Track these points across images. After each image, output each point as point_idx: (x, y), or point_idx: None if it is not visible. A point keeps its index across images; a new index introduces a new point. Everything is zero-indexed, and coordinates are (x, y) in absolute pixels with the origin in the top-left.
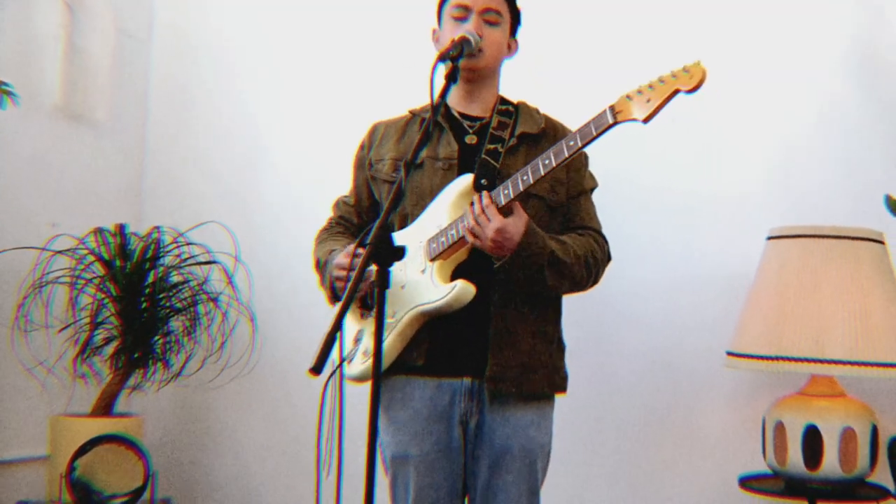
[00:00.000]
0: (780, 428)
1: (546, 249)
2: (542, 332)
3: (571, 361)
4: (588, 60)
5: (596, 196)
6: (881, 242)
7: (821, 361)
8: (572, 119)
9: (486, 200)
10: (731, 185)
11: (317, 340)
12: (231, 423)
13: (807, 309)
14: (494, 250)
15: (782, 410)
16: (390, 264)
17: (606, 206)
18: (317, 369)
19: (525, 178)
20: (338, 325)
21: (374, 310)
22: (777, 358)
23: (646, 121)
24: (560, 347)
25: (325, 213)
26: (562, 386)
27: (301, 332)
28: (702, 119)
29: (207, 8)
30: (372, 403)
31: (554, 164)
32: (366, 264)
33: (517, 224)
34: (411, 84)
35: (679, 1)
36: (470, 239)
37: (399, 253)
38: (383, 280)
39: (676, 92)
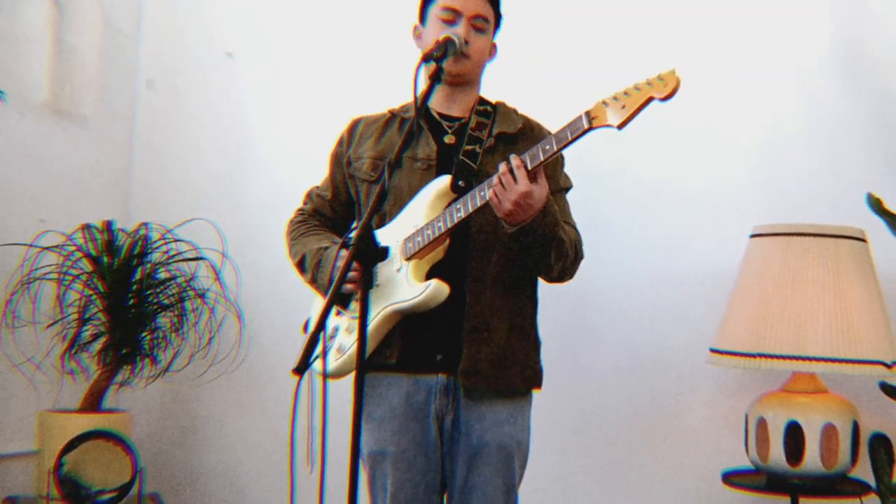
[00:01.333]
0: (762, 424)
1: (558, 223)
2: (518, 327)
3: (554, 357)
4: (585, 59)
5: (580, 191)
6: (863, 240)
7: (802, 359)
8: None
9: (516, 161)
10: (716, 183)
11: (303, 338)
12: (218, 418)
13: (788, 306)
14: (511, 215)
15: (764, 407)
16: (374, 265)
17: (591, 201)
18: (300, 370)
19: (483, 193)
20: (321, 326)
21: (353, 308)
22: (759, 355)
23: (620, 127)
24: (535, 343)
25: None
26: (535, 381)
27: (288, 328)
28: (687, 117)
29: (196, 3)
30: (355, 401)
31: (529, 168)
32: (349, 265)
33: (541, 192)
34: (397, 81)
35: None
36: (493, 200)
37: (382, 254)
38: (367, 280)
39: (650, 100)
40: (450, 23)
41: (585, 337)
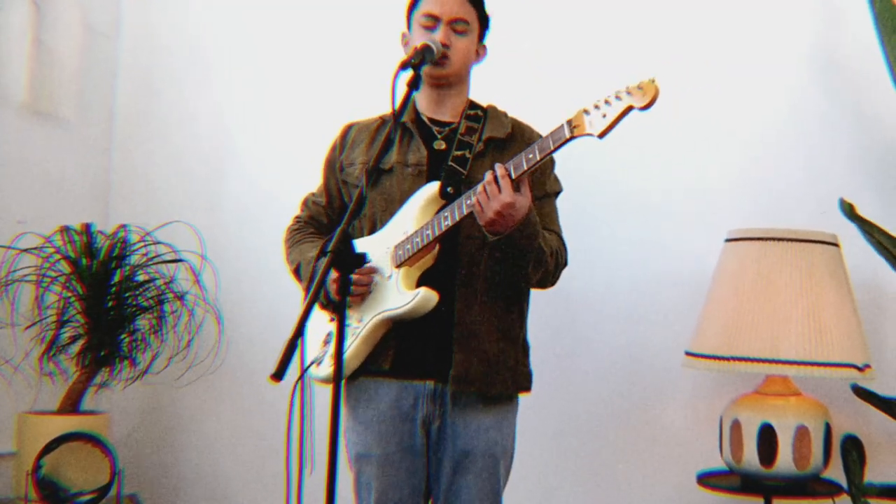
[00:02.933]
0: (736, 426)
1: (538, 234)
2: (507, 333)
3: (534, 361)
4: (576, 57)
5: (559, 196)
6: (835, 245)
7: (775, 362)
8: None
9: (501, 171)
10: (691, 188)
11: (283, 340)
12: (197, 420)
13: (762, 310)
14: (493, 224)
15: (738, 409)
16: (351, 271)
17: (568, 205)
18: (278, 375)
19: (469, 201)
20: (299, 332)
21: (347, 315)
22: (733, 358)
23: (601, 136)
24: (525, 348)
25: (293, 213)
26: (526, 385)
27: (267, 330)
28: (663, 121)
29: (176, 4)
30: (333, 407)
31: (513, 177)
32: (327, 272)
33: (524, 202)
34: (380, 85)
35: (642, 6)
36: (476, 208)
37: (360, 260)
38: (344, 287)
39: (630, 109)
40: (430, 28)
41: (563, 340)
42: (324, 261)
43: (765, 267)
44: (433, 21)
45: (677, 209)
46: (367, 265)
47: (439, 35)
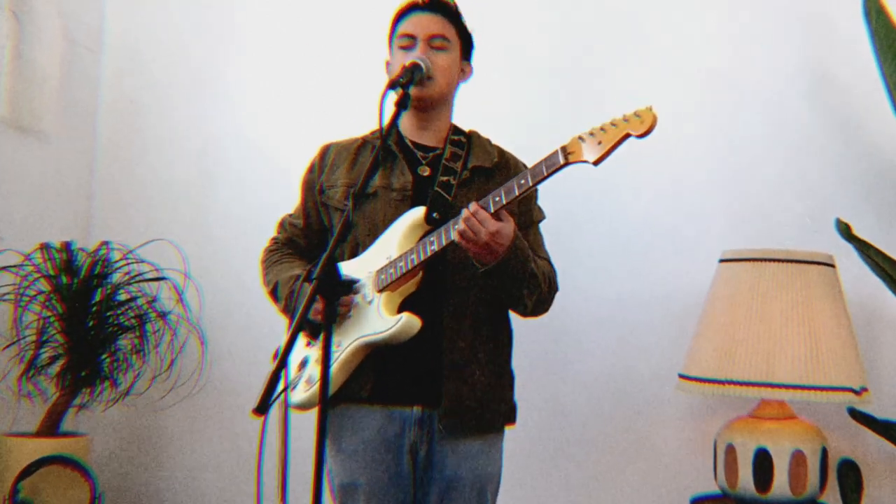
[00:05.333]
0: (730, 450)
1: (530, 258)
2: (495, 363)
3: (525, 382)
4: (572, 76)
5: (547, 221)
6: (831, 266)
7: (770, 386)
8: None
9: (474, 206)
10: (683, 208)
11: (268, 359)
12: (180, 442)
13: (757, 333)
14: (484, 254)
15: (733, 433)
16: (337, 298)
17: (558, 229)
18: (261, 410)
19: (458, 226)
20: (283, 363)
21: (321, 340)
22: (727, 382)
23: (596, 163)
24: (510, 378)
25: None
26: (511, 418)
27: (251, 350)
28: (656, 141)
29: (160, 18)
30: (319, 435)
31: (504, 202)
32: (312, 298)
33: (508, 228)
34: (366, 104)
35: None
36: (461, 242)
37: (347, 287)
38: (330, 315)
39: (627, 136)
40: (408, 48)
41: (555, 363)
42: (308, 286)
43: (759, 288)
44: (410, 41)
45: (666, 230)
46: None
47: (418, 53)
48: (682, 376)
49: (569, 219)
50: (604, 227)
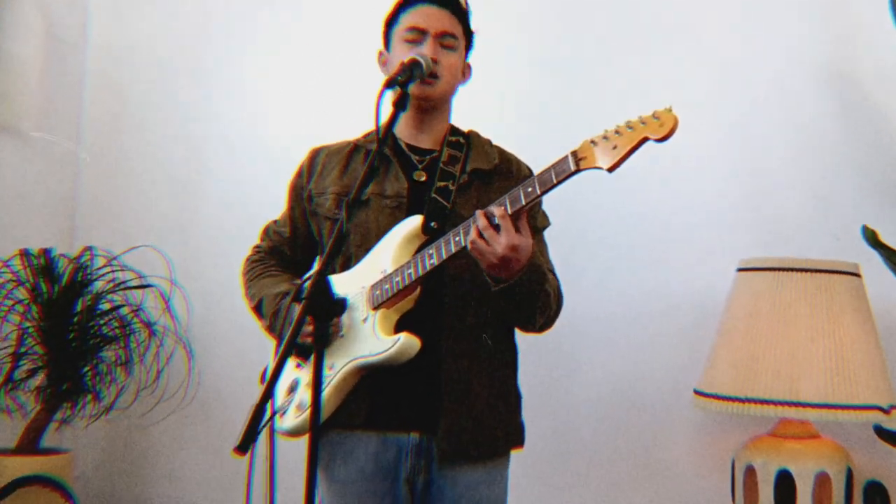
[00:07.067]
0: (750, 472)
1: (545, 276)
2: (499, 384)
3: (533, 395)
4: (580, 77)
5: (559, 224)
6: (857, 275)
7: (794, 405)
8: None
9: (499, 212)
10: (699, 213)
11: (258, 366)
12: (167, 459)
13: (779, 347)
14: (498, 271)
15: (752, 453)
16: (329, 319)
17: (569, 235)
18: (243, 448)
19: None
20: (268, 395)
21: (312, 363)
22: (747, 400)
23: (611, 170)
24: (517, 399)
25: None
26: (518, 441)
27: (241, 362)
28: (671, 144)
29: (147, 10)
30: (308, 470)
31: (510, 212)
32: (302, 320)
33: (527, 243)
34: (357, 106)
35: (652, 29)
36: (474, 254)
37: (339, 307)
38: (321, 338)
39: (645, 140)
40: (415, 42)
41: (566, 374)
42: (297, 306)
43: (781, 300)
44: (419, 34)
45: (680, 236)
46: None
47: (426, 50)
48: (698, 392)
49: (574, 222)
50: (612, 232)
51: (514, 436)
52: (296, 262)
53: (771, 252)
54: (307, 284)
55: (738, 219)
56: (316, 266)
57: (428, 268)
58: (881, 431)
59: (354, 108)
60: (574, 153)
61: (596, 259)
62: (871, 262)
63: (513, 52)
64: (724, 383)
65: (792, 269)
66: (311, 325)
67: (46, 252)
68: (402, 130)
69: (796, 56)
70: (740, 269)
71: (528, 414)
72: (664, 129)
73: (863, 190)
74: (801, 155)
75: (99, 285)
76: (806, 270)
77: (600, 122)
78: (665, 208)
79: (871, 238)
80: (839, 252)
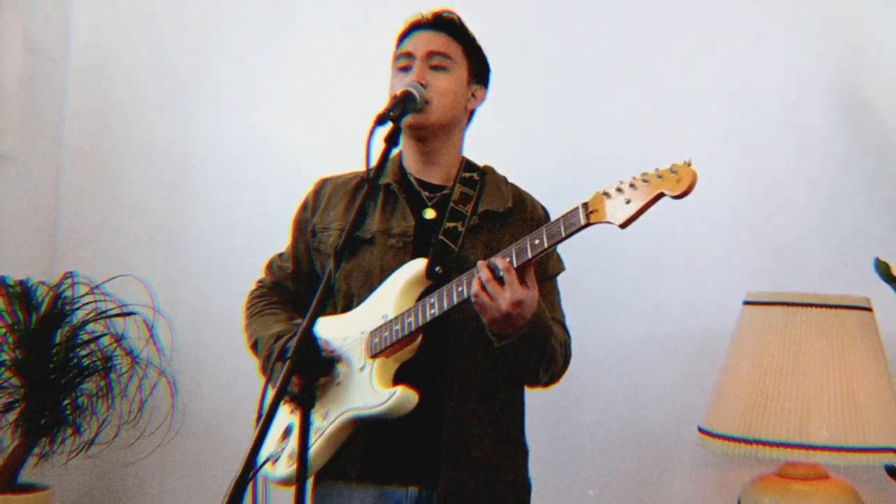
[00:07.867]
0: None
1: (551, 332)
2: (504, 436)
3: (535, 429)
4: (589, 110)
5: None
6: (868, 309)
7: (804, 447)
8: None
9: (503, 264)
10: (703, 242)
11: (244, 396)
12: (151, 496)
13: (788, 386)
14: (501, 327)
15: (759, 494)
16: (316, 379)
17: (571, 267)
18: None
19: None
20: (250, 465)
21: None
22: (755, 441)
23: (623, 226)
24: (524, 452)
25: (253, 271)
26: (524, 499)
27: (227, 395)
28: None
29: (130, 24)
30: None
31: (515, 265)
32: (287, 380)
33: (532, 297)
34: (348, 137)
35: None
36: (476, 307)
37: (328, 367)
38: (308, 399)
39: (661, 196)
40: (406, 69)
41: (569, 408)
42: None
43: (790, 336)
44: (408, 59)
45: (683, 266)
46: (336, 354)
47: (414, 74)
48: (703, 431)
49: (582, 255)
50: (613, 263)
51: (520, 494)
52: (300, 296)
53: (778, 279)
54: (291, 343)
55: (744, 249)
56: (304, 323)
57: (429, 318)
58: (893, 471)
59: (353, 134)
60: (585, 205)
61: (594, 290)
62: (881, 291)
63: (515, 82)
64: (730, 423)
65: (801, 304)
66: (297, 385)
67: (23, 282)
68: (411, 164)
69: (807, 84)
70: (747, 303)
71: (534, 442)
72: (682, 185)
73: (871, 218)
74: (810, 184)
75: (80, 314)
76: (816, 306)
77: (611, 154)
78: (668, 239)
79: (884, 271)
80: (848, 279)
